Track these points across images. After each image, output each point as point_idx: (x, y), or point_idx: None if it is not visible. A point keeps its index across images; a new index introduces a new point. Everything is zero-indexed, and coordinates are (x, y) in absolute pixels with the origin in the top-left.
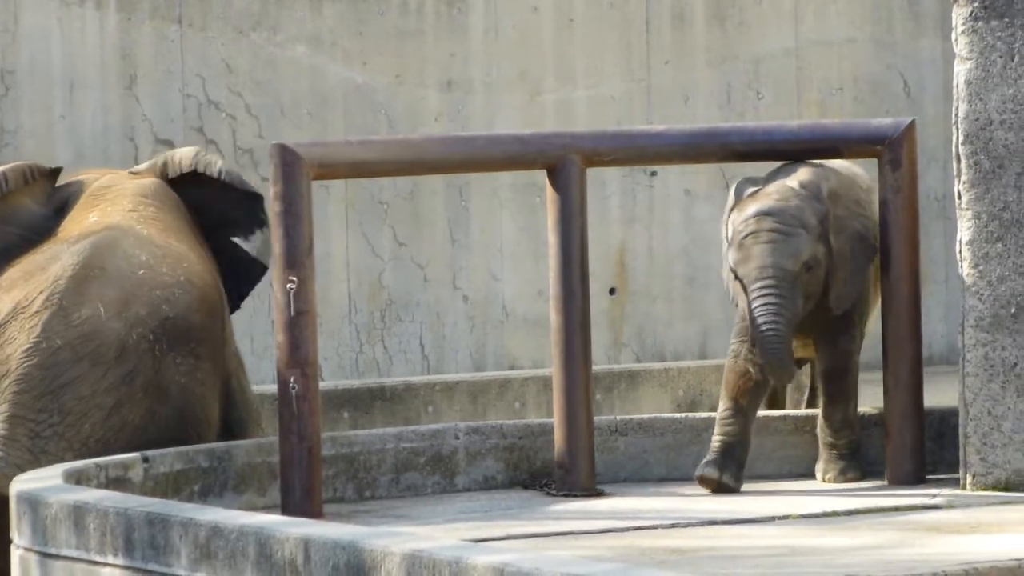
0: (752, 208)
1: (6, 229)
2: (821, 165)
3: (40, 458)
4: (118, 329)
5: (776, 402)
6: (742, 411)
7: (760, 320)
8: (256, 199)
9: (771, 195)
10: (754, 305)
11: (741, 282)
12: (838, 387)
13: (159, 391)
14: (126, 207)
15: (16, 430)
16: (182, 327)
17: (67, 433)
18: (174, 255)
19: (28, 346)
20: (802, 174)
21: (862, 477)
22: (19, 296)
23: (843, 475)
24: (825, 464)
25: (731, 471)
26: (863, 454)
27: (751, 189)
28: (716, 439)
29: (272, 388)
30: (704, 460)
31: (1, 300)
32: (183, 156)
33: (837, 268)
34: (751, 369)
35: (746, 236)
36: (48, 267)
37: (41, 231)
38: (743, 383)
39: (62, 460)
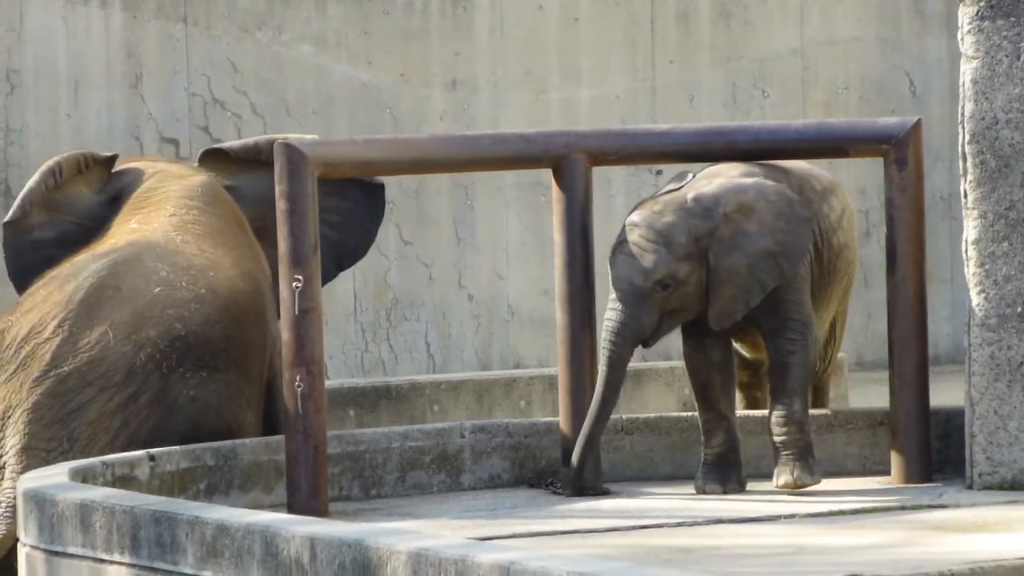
0: (630, 215)
1: (62, 217)
2: (754, 171)
3: None
4: (126, 352)
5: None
6: (723, 416)
7: (604, 333)
8: (379, 189)
9: (653, 204)
10: (605, 316)
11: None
12: (779, 385)
13: (165, 406)
14: (167, 212)
15: (31, 462)
16: (194, 343)
17: (77, 459)
18: (200, 265)
19: (38, 374)
20: (708, 184)
21: (817, 480)
22: (35, 319)
23: (794, 479)
24: (777, 468)
25: (732, 480)
26: (815, 456)
27: (664, 189)
28: (708, 452)
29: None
30: (702, 472)
31: (19, 322)
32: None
33: (721, 285)
34: (710, 370)
35: (616, 243)
36: (66, 286)
37: (97, 219)
38: (708, 385)
39: None
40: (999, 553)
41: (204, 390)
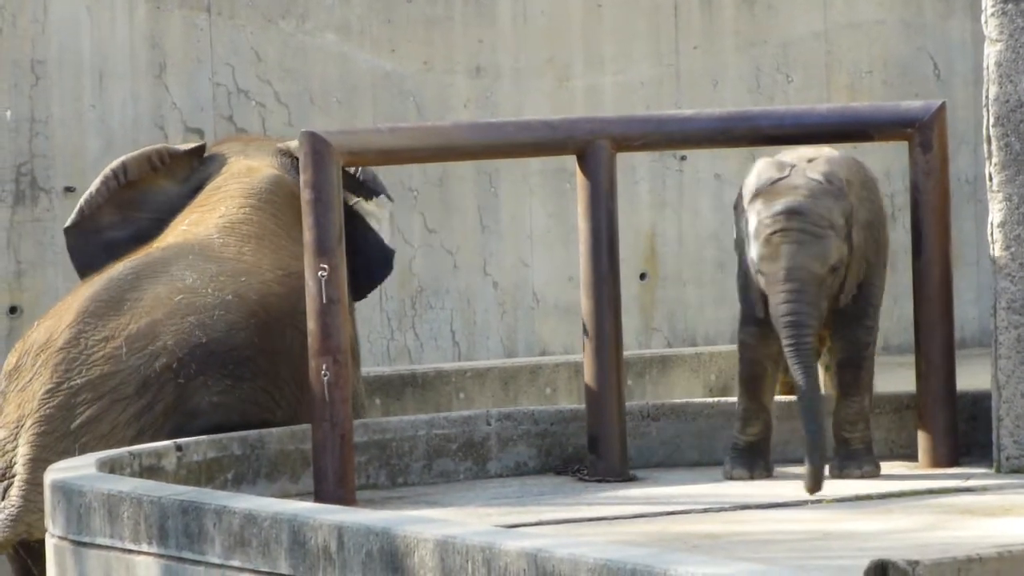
0: (780, 204)
1: (135, 215)
2: (830, 150)
3: None
4: (140, 365)
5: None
6: (764, 407)
7: (788, 328)
8: (387, 198)
9: (798, 190)
10: (781, 310)
11: (762, 276)
12: (853, 379)
13: (184, 412)
14: (219, 212)
15: (37, 474)
16: (217, 350)
17: None
18: (233, 271)
19: (50, 386)
20: (823, 165)
21: (879, 472)
22: (52, 327)
23: (860, 470)
24: (841, 460)
25: (760, 466)
26: (875, 443)
27: (775, 176)
28: (741, 439)
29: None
30: (731, 457)
31: (38, 329)
32: None
33: (852, 262)
34: (765, 362)
35: (774, 233)
36: (86, 294)
37: (177, 212)
38: (760, 377)
39: None
40: None
41: (229, 396)
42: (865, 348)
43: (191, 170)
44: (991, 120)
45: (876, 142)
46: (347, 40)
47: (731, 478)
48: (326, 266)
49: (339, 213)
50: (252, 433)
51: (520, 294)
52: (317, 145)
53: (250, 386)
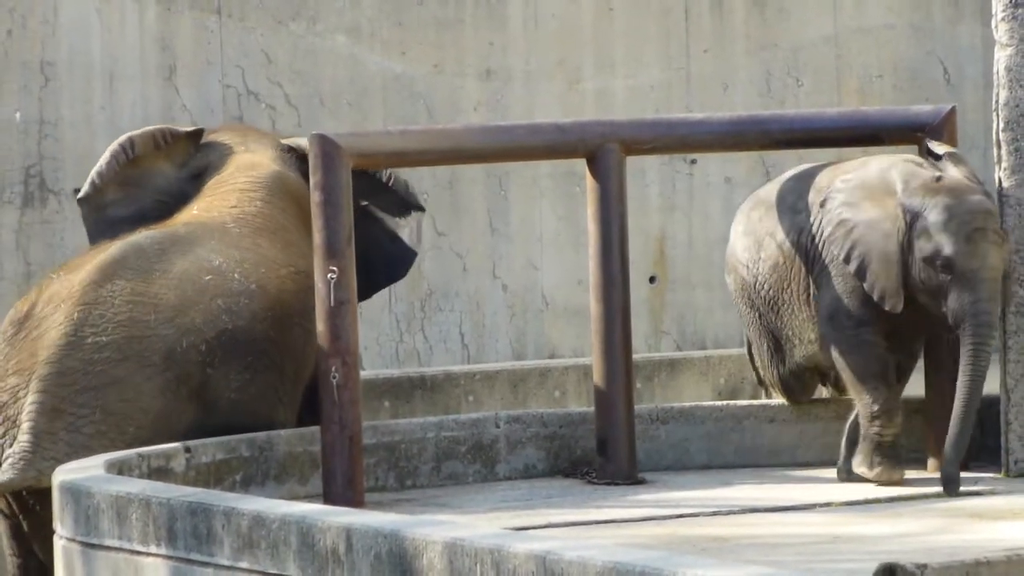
0: (974, 201)
1: (138, 192)
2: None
3: (79, 453)
4: (169, 335)
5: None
6: (897, 401)
7: (983, 328)
8: (417, 208)
9: (976, 191)
10: (979, 308)
11: (951, 271)
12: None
13: (206, 404)
14: (230, 203)
15: (55, 423)
16: (241, 339)
17: (110, 432)
18: (254, 260)
19: (72, 338)
20: (961, 167)
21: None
22: (71, 281)
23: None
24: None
25: (903, 461)
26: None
27: (932, 174)
28: (887, 434)
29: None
30: (878, 458)
31: (53, 282)
32: None
33: None
34: (887, 355)
35: (975, 230)
36: (106, 256)
37: (177, 195)
38: (886, 372)
39: None
40: None
41: (244, 393)
42: None
43: (188, 155)
44: (1001, 124)
45: (886, 146)
46: (357, 42)
47: (890, 482)
48: (335, 268)
49: (349, 215)
50: (261, 435)
51: (529, 297)
52: (327, 147)
53: (263, 379)
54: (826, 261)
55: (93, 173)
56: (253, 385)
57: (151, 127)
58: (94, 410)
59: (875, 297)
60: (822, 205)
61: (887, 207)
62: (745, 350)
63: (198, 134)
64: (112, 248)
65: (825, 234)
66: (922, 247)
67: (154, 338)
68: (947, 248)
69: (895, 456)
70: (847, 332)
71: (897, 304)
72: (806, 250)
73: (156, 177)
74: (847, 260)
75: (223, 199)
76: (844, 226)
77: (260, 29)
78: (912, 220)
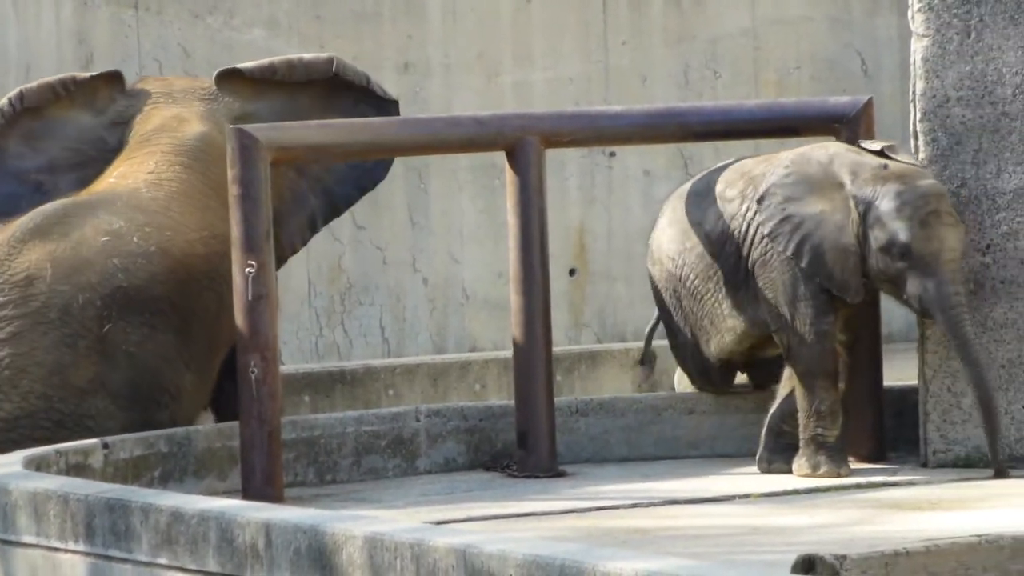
0: (925, 185)
1: (45, 144)
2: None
3: None
4: (64, 291)
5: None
6: (839, 400)
7: (957, 309)
8: (392, 105)
9: (926, 175)
10: (947, 291)
11: (909, 257)
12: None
13: (105, 357)
14: (148, 167)
15: None
16: (136, 297)
17: (4, 386)
18: (160, 224)
19: None
20: (904, 155)
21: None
22: None
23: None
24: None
25: (847, 462)
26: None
27: (878, 163)
28: (830, 434)
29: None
30: (824, 456)
31: None
32: (318, 62)
33: None
34: (838, 348)
35: (930, 213)
36: (13, 224)
37: (94, 141)
38: (836, 371)
39: None
40: (953, 531)
41: (142, 349)
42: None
43: (110, 100)
44: (918, 115)
45: (803, 137)
46: (275, 36)
47: (837, 475)
48: (254, 263)
49: (268, 209)
50: (179, 430)
51: (450, 290)
52: (245, 141)
53: (163, 339)
54: (768, 257)
55: None
56: (151, 341)
57: (51, 78)
58: None
59: (834, 290)
60: (759, 201)
61: (835, 200)
62: (668, 343)
63: (115, 77)
64: (22, 216)
65: (766, 230)
66: (877, 236)
67: (49, 294)
68: (903, 234)
69: (839, 453)
70: (805, 324)
71: (857, 295)
72: (738, 243)
73: (66, 126)
74: (796, 255)
75: (141, 164)
76: (789, 222)
77: (177, 23)
78: (865, 211)
